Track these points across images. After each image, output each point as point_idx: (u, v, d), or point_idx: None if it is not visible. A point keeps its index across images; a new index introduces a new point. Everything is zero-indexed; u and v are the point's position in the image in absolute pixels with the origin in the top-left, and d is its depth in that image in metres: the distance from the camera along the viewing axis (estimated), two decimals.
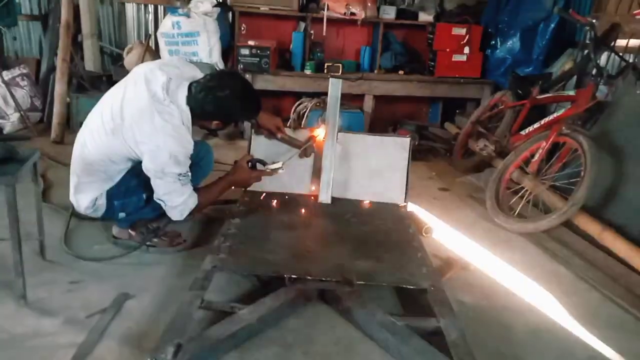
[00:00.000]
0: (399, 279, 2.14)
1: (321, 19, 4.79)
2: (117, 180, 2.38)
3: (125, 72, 4.29)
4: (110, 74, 4.86)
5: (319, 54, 4.91)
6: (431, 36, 4.88)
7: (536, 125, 3.46)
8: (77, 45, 4.94)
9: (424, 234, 2.82)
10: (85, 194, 2.38)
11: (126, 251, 2.45)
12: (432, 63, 4.93)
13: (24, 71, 4.61)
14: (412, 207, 3.05)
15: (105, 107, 2.30)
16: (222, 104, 2.23)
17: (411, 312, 2.13)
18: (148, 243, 2.52)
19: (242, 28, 4.89)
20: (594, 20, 3.29)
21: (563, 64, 4.34)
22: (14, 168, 1.94)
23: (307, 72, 4.76)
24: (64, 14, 4.22)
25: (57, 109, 4.22)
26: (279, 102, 5.14)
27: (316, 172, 2.92)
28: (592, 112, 3.26)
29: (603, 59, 3.75)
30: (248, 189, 2.83)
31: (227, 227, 2.46)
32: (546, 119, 3.40)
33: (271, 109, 4.85)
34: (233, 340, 1.80)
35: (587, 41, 3.58)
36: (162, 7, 5.21)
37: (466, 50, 4.85)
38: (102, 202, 2.39)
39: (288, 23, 5.03)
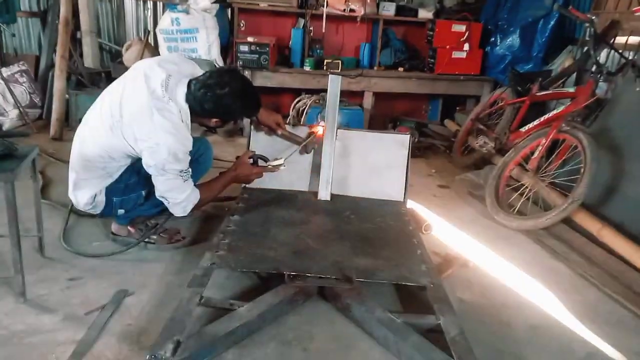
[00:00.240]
0: (399, 276, 2.14)
1: (320, 16, 4.78)
2: (117, 177, 2.37)
3: (124, 68, 4.31)
4: (109, 70, 4.85)
5: (318, 51, 4.90)
6: (431, 33, 4.88)
7: (536, 122, 3.46)
8: (76, 42, 4.93)
9: (423, 231, 2.83)
10: (84, 191, 2.37)
11: (125, 247, 2.45)
12: (432, 60, 4.92)
13: (23, 68, 4.60)
14: (411, 204, 3.05)
15: (104, 103, 2.29)
16: (221, 101, 2.22)
17: (410, 310, 2.13)
18: (147, 240, 2.52)
19: (241, 24, 4.89)
20: (593, 17, 3.28)
21: (563, 61, 4.34)
22: (13, 165, 1.93)
23: (307, 68, 4.75)
24: (63, 10, 4.20)
25: (56, 105, 4.21)
26: (278, 98, 5.14)
27: (315, 169, 2.92)
28: (592, 109, 3.25)
29: (603, 55, 3.75)
30: (247, 186, 2.83)
31: (226, 224, 2.46)
32: (546, 116, 3.40)
33: (270, 105, 4.84)
34: (232, 337, 1.81)
35: (587, 38, 3.57)
36: (161, 3, 5.19)
37: (466, 47, 4.86)
38: (101, 198, 2.39)
39: (287, 19, 5.02)
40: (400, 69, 5.04)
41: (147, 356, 1.59)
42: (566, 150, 3.18)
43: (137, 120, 2.16)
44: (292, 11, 4.87)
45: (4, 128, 4.18)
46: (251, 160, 2.60)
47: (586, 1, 4.35)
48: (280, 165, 2.64)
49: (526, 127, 3.54)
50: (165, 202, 2.29)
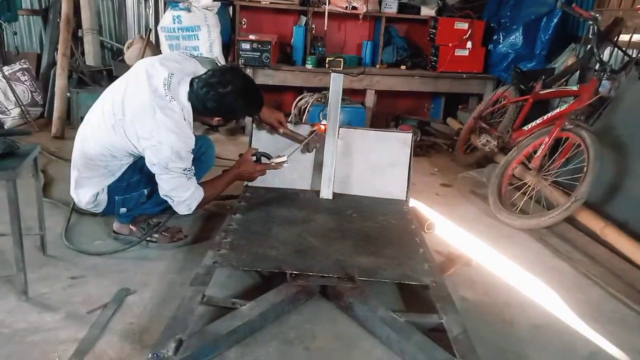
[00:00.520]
0: (401, 275, 2.13)
1: (322, 13, 4.77)
2: (119, 176, 2.37)
3: (125, 66, 4.31)
4: (110, 68, 4.84)
5: (320, 49, 4.88)
6: (433, 31, 4.86)
7: (539, 121, 3.44)
8: (77, 40, 4.94)
9: (426, 229, 2.82)
10: (86, 189, 2.37)
11: (127, 246, 2.45)
12: (435, 58, 4.91)
13: (25, 66, 4.60)
14: (414, 203, 3.05)
15: (106, 102, 2.29)
16: (224, 100, 2.21)
17: (413, 308, 2.12)
18: (149, 238, 2.52)
19: (243, 22, 4.88)
20: (597, 15, 3.26)
21: (566, 59, 4.32)
22: (15, 163, 1.93)
23: (309, 66, 4.74)
24: (65, 8, 4.20)
25: (57, 103, 4.21)
26: (280, 96, 5.13)
27: (318, 168, 2.91)
28: (595, 107, 3.24)
29: (606, 53, 3.73)
30: (249, 184, 2.82)
31: (229, 222, 2.46)
32: (549, 114, 3.39)
33: (272, 103, 4.83)
34: (234, 336, 1.80)
35: (590, 36, 3.55)
36: (162, 1, 5.20)
37: (468, 45, 4.84)
38: (103, 197, 2.38)
39: (289, 17, 5.01)
40: (403, 67, 5.03)
41: (150, 355, 1.59)
42: (569, 149, 3.17)
43: (140, 118, 2.16)
44: (294, 9, 4.85)
45: (6, 126, 4.18)
46: (254, 158, 2.60)
47: None
48: (283, 162, 2.64)
49: (529, 126, 3.52)
50: (170, 201, 2.29)
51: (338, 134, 2.86)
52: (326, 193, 2.87)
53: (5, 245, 2.17)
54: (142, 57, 4.42)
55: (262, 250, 2.23)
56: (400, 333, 1.81)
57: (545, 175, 3.19)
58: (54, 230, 2.54)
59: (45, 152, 3.64)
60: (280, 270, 2.08)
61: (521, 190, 3.26)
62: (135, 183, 2.37)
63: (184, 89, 2.22)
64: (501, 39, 4.82)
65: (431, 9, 5.01)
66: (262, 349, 1.83)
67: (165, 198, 2.28)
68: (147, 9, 5.35)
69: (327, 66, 4.70)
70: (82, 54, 4.98)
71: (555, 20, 4.45)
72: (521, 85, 4.00)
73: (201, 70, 2.36)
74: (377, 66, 5.05)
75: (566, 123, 3.10)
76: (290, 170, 2.81)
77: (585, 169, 2.87)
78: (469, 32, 4.80)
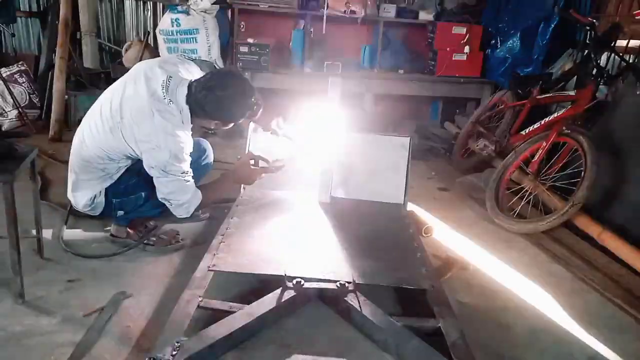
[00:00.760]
0: (399, 279, 2.13)
1: (321, 17, 4.78)
2: (116, 178, 2.36)
3: (123, 69, 4.31)
4: (108, 71, 4.84)
5: (318, 53, 4.89)
6: (431, 35, 4.88)
7: (536, 125, 3.45)
8: (75, 42, 4.93)
9: (423, 234, 2.82)
10: (84, 192, 2.36)
11: (124, 249, 2.44)
12: (432, 62, 4.92)
13: (22, 68, 4.59)
14: (411, 207, 3.05)
15: (104, 104, 2.28)
16: (222, 103, 2.21)
17: (411, 313, 2.11)
18: (146, 242, 2.51)
19: (242, 25, 4.88)
20: (594, 21, 3.28)
21: (563, 64, 4.34)
22: (12, 165, 1.93)
23: (307, 70, 4.74)
24: (63, 10, 4.20)
25: (55, 106, 4.20)
26: (279, 100, 5.12)
27: (315, 172, 2.91)
28: (592, 112, 3.25)
29: (603, 59, 3.75)
30: (247, 187, 2.82)
31: (226, 226, 2.45)
32: (546, 119, 3.40)
33: (270, 107, 4.83)
34: (231, 340, 1.79)
35: (588, 41, 3.57)
36: (161, 4, 5.19)
37: (466, 49, 4.86)
38: (101, 200, 2.38)
39: (288, 21, 5.02)
40: (401, 71, 5.05)
41: (146, 358, 1.58)
42: (567, 154, 3.18)
43: (138, 121, 2.15)
44: (293, 12, 4.86)
45: (3, 128, 4.18)
46: (252, 162, 2.59)
47: (587, 4, 4.35)
48: (281, 166, 2.63)
49: (527, 130, 3.53)
50: (168, 204, 2.29)
51: (336, 138, 2.86)
52: (324, 197, 2.86)
53: (1, 248, 2.16)
54: (141, 59, 4.43)
55: (260, 254, 2.23)
56: (398, 338, 1.81)
57: (542, 179, 3.19)
58: (50, 233, 2.53)
59: (43, 155, 3.63)
60: (277, 274, 2.07)
61: (519, 195, 3.27)
62: (133, 186, 2.37)
63: (182, 92, 2.21)
64: (499, 43, 4.84)
65: (429, 14, 5.03)
66: (259, 353, 1.82)
67: (163, 201, 2.28)
68: (146, 12, 5.36)
69: (325, 70, 4.71)
70: (80, 56, 4.97)
71: (553, 25, 4.47)
72: (519, 90, 4.02)
73: (200, 73, 2.35)
74: (375, 70, 5.06)
75: (563, 128, 3.11)
76: (288, 174, 2.80)
77: (582, 173, 2.88)
78: (467, 36, 4.82)
